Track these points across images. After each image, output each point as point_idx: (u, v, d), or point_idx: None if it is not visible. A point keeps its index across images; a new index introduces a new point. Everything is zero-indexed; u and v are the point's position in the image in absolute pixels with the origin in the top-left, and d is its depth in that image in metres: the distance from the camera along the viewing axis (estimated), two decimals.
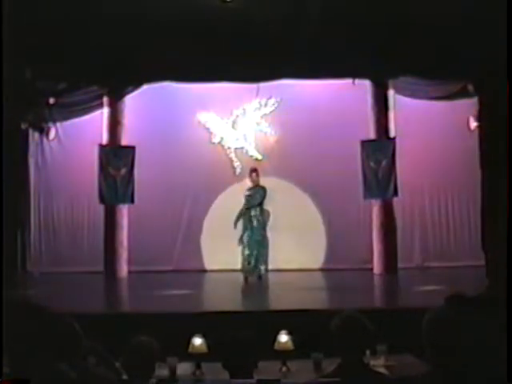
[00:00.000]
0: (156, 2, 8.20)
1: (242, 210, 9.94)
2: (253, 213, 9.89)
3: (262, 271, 9.81)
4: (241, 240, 9.88)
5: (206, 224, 11.11)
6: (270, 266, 10.09)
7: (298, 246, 10.88)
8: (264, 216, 10.02)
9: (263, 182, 10.17)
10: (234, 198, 10.44)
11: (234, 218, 10.05)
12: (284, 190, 10.79)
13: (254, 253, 9.79)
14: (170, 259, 11.09)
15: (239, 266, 9.96)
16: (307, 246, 10.96)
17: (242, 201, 10.03)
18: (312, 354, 4.96)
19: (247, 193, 10.04)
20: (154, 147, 11.08)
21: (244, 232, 9.88)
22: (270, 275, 10.02)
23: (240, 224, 9.98)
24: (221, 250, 10.77)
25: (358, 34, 8.61)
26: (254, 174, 10.09)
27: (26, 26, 8.00)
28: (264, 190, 10.01)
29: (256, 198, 9.95)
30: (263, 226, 9.93)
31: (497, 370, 2.24)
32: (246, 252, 9.82)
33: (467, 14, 7.97)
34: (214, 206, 11.02)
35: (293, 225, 10.70)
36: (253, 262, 9.79)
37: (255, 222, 9.87)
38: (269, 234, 10.03)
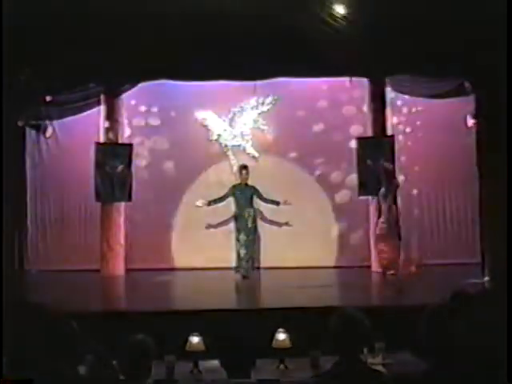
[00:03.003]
0: (155, 0, 8.19)
1: (237, 213, 10.00)
2: (246, 214, 9.95)
3: (254, 269, 9.98)
4: (237, 240, 9.95)
5: (204, 221, 11.07)
6: (269, 264, 10.25)
7: (297, 245, 10.85)
8: (256, 215, 10.11)
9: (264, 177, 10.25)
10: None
11: (231, 215, 10.11)
12: (282, 187, 10.75)
13: (250, 252, 9.90)
14: (168, 257, 11.08)
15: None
16: (306, 244, 10.94)
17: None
18: (310, 351, 4.97)
19: (236, 191, 10.04)
20: (151, 145, 11.07)
21: (239, 233, 9.95)
22: (269, 274, 10.08)
23: (231, 223, 10.15)
24: (218, 248, 10.76)
25: (355, 31, 8.61)
26: (244, 172, 10.07)
27: (23, 25, 7.98)
28: (254, 188, 10.03)
29: (246, 197, 9.99)
30: (256, 224, 10.07)
31: (497, 370, 2.24)
32: (243, 251, 9.88)
33: (465, 12, 7.97)
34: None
35: (288, 221, 10.65)
36: (250, 261, 9.90)
37: (249, 223, 9.94)
38: (260, 230, 10.22)
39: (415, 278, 9.50)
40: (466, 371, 2.15)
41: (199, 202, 10.06)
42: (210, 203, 10.03)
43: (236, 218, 10.03)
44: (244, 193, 10.00)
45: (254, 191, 10.00)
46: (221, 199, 10.06)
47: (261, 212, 10.29)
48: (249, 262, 9.90)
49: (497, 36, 7.24)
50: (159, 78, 9.94)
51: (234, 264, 10.09)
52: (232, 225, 10.21)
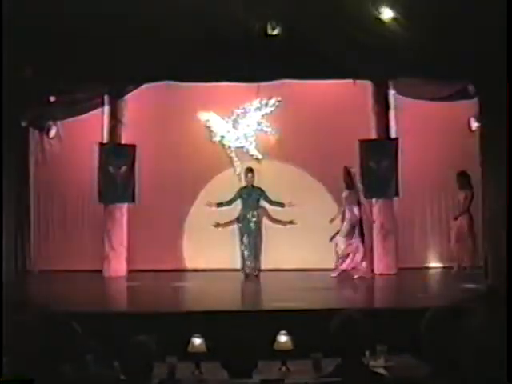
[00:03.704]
0: (156, 1, 8.19)
1: (242, 214, 10.11)
2: (251, 215, 10.08)
3: (256, 270, 10.08)
4: (241, 241, 10.08)
5: (206, 223, 11.06)
6: (272, 266, 10.34)
7: (302, 247, 10.85)
8: (260, 216, 10.19)
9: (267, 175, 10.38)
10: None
11: (233, 216, 10.18)
12: (285, 189, 10.74)
13: (253, 253, 10.04)
14: (170, 258, 11.08)
15: (238, 266, 10.17)
16: (307, 245, 10.93)
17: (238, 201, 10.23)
18: (311, 354, 4.96)
19: (243, 194, 10.14)
20: (154, 146, 11.06)
21: (244, 234, 10.09)
22: (272, 275, 10.11)
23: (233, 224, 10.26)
24: (221, 249, 10.77)
25: (358, 33, 8.59)
26: (250, 175, 10.19)
27: (26, 25, 7.98)
28: (260, 190, 10.13)
29: (253, 199, 10.09)
30: (260, 226, 10.18)
31: (497, 370, 2.23)
32: (247, 252, 10.03)
33: (467, 13, 7.96)
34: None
35: (292, 220, 10.66)
36: (253, 262, 10.03)
37: (253, 225, 10.09)
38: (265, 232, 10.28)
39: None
40: (466, 371, 2.15)
41: (208, 203, 10.18)
42: (218, 205, 10.15)
43: (241, 219, 10.13)
44: (251, 195, 10.12)
45: (261, 193, 10.13)
46: (229, 202, 10.17)
47: (266, 210, 10.37)
48: (252, 263, 10.02)
49: (499, 38, 7.23)
50: (163, 80, 9.95)
51: (236, 266, 10.18)
52: (235, 226, 10.29)
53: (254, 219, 10.07)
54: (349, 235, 9.92)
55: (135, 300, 8.75)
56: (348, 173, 10.02)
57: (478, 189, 9.59)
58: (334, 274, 9.90)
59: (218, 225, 10.33)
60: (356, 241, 9.89)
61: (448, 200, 11.07)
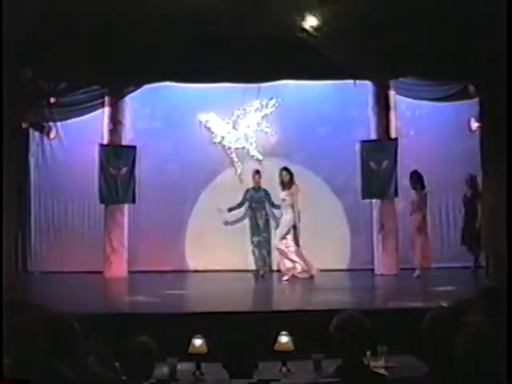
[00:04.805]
0: (157, 2, 8.19)
1: (250, 214, 10.43)
2: (259, 216, 10.37)
3: (268, 268, 10.40)
4: (251, 241, 10.37)
5: (206, 224, 11.08)
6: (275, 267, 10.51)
7: (303, 248, 10.85)
8: (269, 216, 10.49)
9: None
10: (234, 198, 10.54)
11: (238, 216, 10.52)
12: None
13: (264, 252, 10.34)
14: (170, 259, 11.08)
15: (242, 267, 10.41)
16: (309, 244, 10.92)
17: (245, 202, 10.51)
18: (312, 354, 4.96)
19: (250, 195, 10.40)
20: (155, 147, 11.07)
21: (253, 234, 10.37)
22: (273, 276, 10.16)
23: (245, 224, 10.58)
24: (222, 250, 10.79)
25: (358, 34, 8.60)
26: (257, 176, 10.43)
27: (26, 26, 7.99)
28: (266, 191, 10.39)
29: (258, 200, 10.37)
30: (269, 225, 10.45)
31: (497, 370, 2.24)
32: (257, 252, 10.32)
33: (468, 14, 7.96)
34: (214, 205, 10.94)
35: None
36: (264, 261, 10.32)
37: (262, 225, 10.37)
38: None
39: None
40: (466, 372, 2.16)
41: (219, 209, 10.48)
42: (229, 210, 10.50)
43: (250, 219, 10.42)
44: (257, 196, 10.40)
45: (266, 195, 10.38)
46: (239, 205, 10.50)
47: (270, 209, 10.61)
48: (264, 260, 10.28)
49: (499, 38, 7.24)
50: (163, 81, 9.95)
51: (238, 267, 10.41)
52: (239, 228, 10.47)
53: (263, 219, 10.34)
54: (284, 238, 9.85)
55: (136, 300, 8.73)
56: (290, 173, 9.90)
57: (478, 189, 9.60)
58: (285, 277, 9.87)
59: (226, 223, 10.80)
60: (291, 243, 9.83)
61: (448, 200, 11.09)
